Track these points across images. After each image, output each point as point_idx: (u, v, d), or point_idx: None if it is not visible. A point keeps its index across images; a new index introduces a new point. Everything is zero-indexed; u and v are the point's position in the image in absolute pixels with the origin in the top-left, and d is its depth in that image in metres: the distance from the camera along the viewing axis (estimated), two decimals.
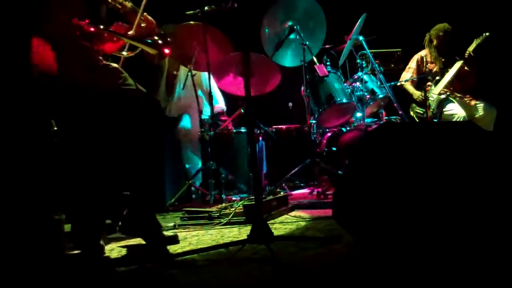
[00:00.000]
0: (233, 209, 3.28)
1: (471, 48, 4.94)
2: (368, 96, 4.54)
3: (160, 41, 2.58)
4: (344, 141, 4.55)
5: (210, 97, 4.28)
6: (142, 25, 2.68)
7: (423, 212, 1.84)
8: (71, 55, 2.47)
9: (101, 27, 2.52)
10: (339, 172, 4.07)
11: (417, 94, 5.13)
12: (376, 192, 1.94)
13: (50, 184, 2.31)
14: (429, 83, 5.20)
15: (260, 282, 1.80)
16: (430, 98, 5.01)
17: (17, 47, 2.26)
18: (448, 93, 5.07)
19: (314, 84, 4.46)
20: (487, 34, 4.89)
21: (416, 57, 5.34)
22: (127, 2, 2.67)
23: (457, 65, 5.02)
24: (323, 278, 1.76)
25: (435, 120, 4.98)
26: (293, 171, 4.19)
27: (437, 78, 5.14)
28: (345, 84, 4.59)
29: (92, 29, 2.47)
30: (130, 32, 2.63)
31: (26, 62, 2.32)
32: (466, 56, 4.96)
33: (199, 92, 4.61)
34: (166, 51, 2.58)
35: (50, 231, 2.32)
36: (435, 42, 5.21)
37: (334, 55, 4.83)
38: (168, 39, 2.62)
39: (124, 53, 2.77)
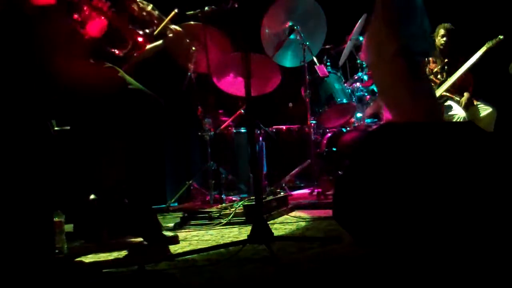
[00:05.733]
0: (233, 209, 3.27)
1: (482, 51, 4.86)
2: (368, 96, 4.54)
3: (137, 30, 2.54)
4: (344, 141, 4.54)
5: None
6: (170, 35, 2.66)
7: (424, 212, 1.84)
8: (63, 54, 2.46)
9: None
10: (339, 172, 4.07)
11: None
12: (376, 193, 1.94)
13: (50, 184, 2.31)
14: (431, 83, 5.19)
15: (260, 283, 1.79)
16: None
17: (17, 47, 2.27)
18: (447, 95, 5.06)
19: (314, 84, 4.46)
20: (501, 37, 4.78)
21: None
22: (154, 11, 2.62)
23: (464, 66, 4.99)
24: (323, 278, 1.75)
25: None
26: (293, 172, 4.19)
27: (441, 79, 5.12)
28: (345, 84, 4.59)
29: None
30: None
31: (26, 62, 2.33)
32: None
33: None
34: (140, 39, 2.53)
35: (50, 231, 2.32)
36: (437, 40, 5.19)
37: (335, 55, 4.82)
38: (147, 31, 2.56)
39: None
